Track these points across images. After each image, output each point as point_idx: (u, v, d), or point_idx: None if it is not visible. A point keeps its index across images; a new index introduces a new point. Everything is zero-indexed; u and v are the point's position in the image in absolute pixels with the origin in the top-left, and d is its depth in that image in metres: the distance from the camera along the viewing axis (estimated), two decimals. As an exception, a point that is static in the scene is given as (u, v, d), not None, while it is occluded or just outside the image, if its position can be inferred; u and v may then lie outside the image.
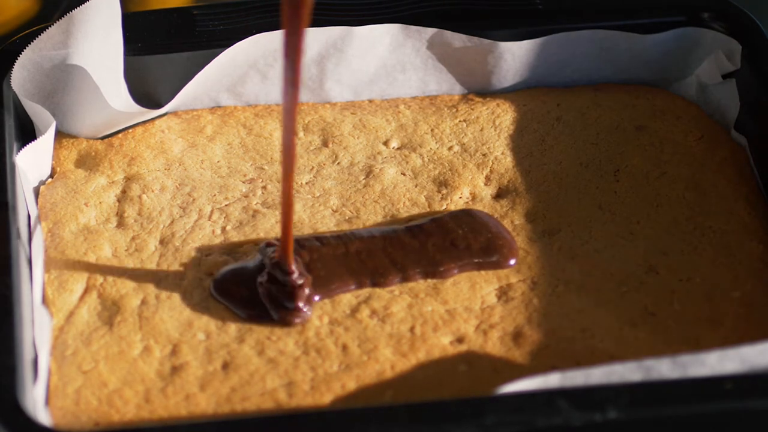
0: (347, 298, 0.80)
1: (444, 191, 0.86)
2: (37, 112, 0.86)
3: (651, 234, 0.83)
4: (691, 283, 0.80)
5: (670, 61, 0.92)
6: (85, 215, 0.84)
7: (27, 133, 0.87)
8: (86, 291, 0.80)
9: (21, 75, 0.85)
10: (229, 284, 0.80)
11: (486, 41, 0.90)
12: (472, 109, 0.91)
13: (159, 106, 0.90)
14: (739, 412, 0.70)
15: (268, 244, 0.81)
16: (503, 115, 0.91)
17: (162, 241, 0.83)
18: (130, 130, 0.89)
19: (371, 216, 0.85)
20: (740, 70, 0.89)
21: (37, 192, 0.85)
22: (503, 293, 0.80)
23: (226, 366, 0.76)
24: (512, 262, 0.81)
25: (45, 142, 0.85)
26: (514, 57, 0.91)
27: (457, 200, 0.86)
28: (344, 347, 0.77)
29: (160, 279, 0.81)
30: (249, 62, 0.90)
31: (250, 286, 0.79)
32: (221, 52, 0.88)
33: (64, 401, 0.74)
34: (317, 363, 0.76)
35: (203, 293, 0.80)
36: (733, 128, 0.89)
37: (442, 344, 0.77)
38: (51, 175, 0.87)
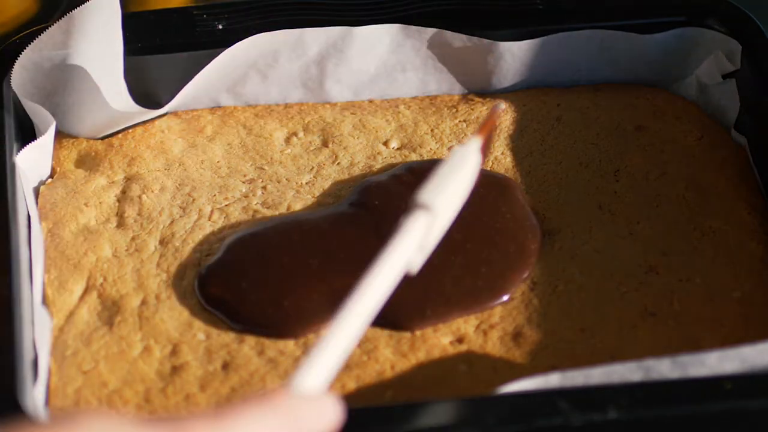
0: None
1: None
2: (37, 112, 0.86)
3: (651, 234, 0.83)
4: (691, 283, 0.80)
5: (670, 61, 0.92)
6: (85, 215, 0.84)
7: (27, 133, 0.87)
8: (86, 291, 0.80)
9: (21, 75, 0.85)
10: (215, 289, 0.80)
11: (486, 41, 0.90)
12: (472, 109, 0.91)
13: (159, 106, 0.90)
14: (739, 412, 0.70)
15: None
16: (503, 115, 0.90)
17: (162, 241, 0.83)
18: (130, 130, 0.89)
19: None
20: (740, 70, 0.89)
21: (37, 192, 0.85)
22: (503, 293, 0.80)
23: (226, 366, 0.76)
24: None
25: (45, 142, 0.85)
26: (514, 57, 0.91)
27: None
28: (344, 347, 0.77)
29: (160, 279, 0.81)
30: (249, 62, 0.90)
31: (237, 290, 0.79)
32: (221, 52, 0.88)
33: (64, 401, 0.74)
34: (317, 363, 0.76)
35: (203, 293, 0.80)
36: (733, 128, 0.89)
37: (442, 344, 0.77)
38: (51, 175, 0.87)
